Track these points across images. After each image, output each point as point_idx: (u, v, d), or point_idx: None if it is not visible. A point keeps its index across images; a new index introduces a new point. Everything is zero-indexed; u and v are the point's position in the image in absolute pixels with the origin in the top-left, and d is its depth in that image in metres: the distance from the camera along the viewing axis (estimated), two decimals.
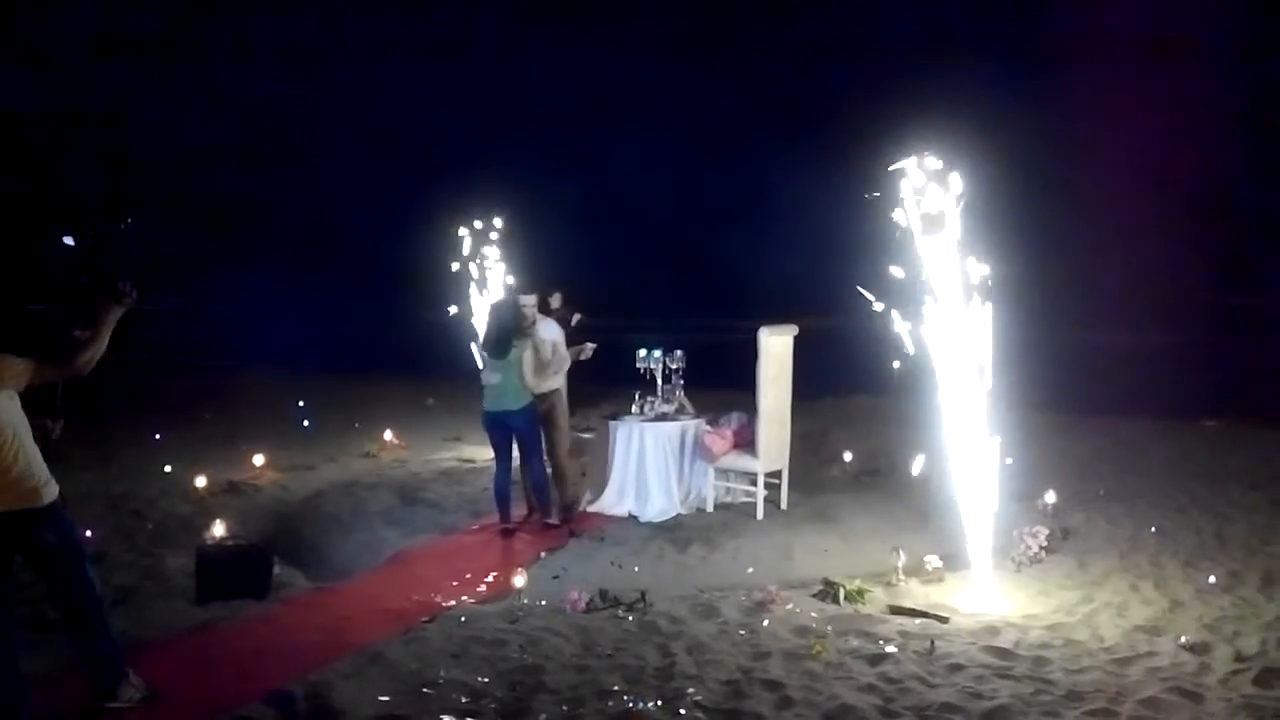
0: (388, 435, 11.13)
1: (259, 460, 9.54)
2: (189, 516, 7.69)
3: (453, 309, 10.35)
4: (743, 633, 5.29)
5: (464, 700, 4.39)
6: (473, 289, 10.30)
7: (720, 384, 10.28)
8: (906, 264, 5.74)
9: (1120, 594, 5.92)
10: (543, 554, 6.95)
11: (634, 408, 8.45)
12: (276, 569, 6.26)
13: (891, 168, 5.65)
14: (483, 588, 6.19)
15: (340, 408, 13.30)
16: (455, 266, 10.23)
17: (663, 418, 8.29)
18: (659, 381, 8.44)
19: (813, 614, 5.56)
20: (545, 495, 7.67)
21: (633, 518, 7.90)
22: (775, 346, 7.97)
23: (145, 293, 4.29)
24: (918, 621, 5.44)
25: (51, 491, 4.14)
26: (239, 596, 5.81)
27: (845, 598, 5.74)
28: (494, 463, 7.70)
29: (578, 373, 8.55)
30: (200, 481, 8.55)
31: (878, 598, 5.82)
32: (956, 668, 4.77)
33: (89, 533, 6.44)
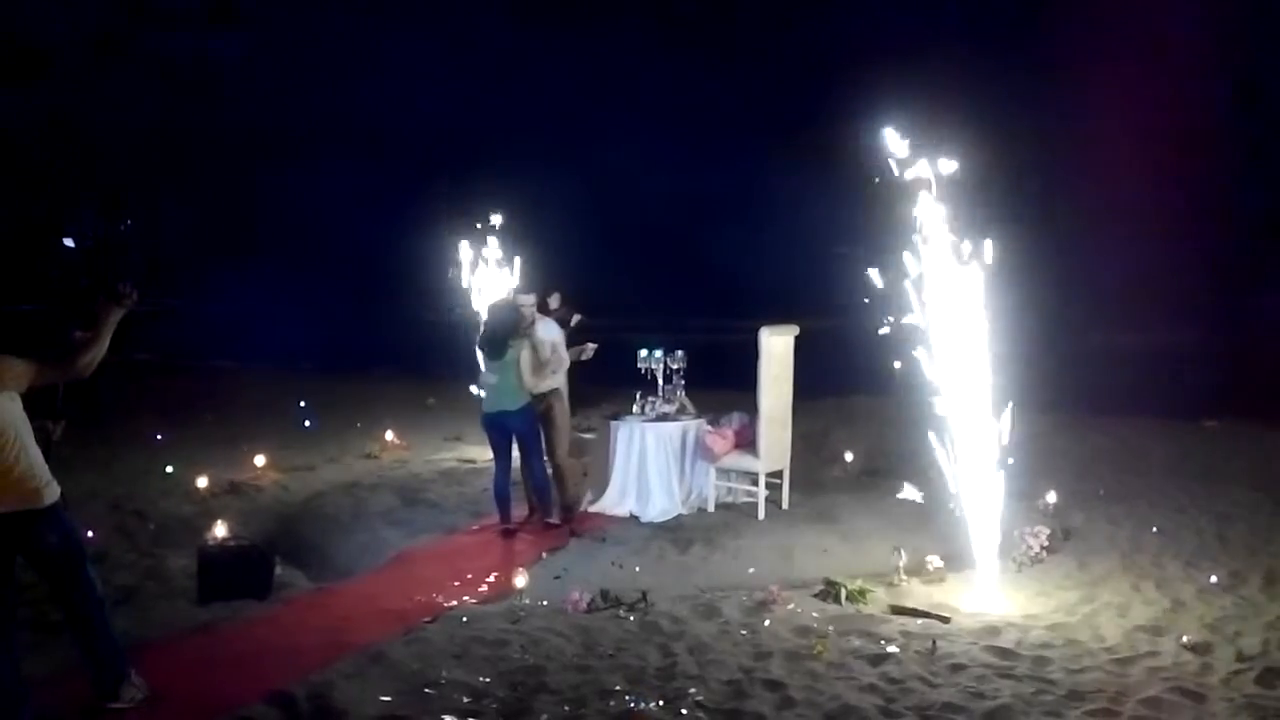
0: (389, 435, 11.13)
1: (260, 461, 9.54)
2: (190, 517, 7.70)
3: (454, 308, 10.34)
4: (744, 633, 5.29)
5: (465, 700, 4.39)
6: (472, 289, 10.29)
7: (721, 384, 10.28)
8: (895, 265, 5.76)
9: (1121, 594, 5.92)
10: (544, 554, 6.95)
11: (635, 408, 8.45)
12: (278, 569, 6.27)
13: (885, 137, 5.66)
14: (484, 588, 6.19)
15: (341, 408, 13.30)
16: (452, 272, 10.23)
17: (664, 418, 8.29)
18: (660, 381, 8.44)
19: (814, 614, 5.56)
20: (546, 495, 7.67)
21: (634, 518, 7.90)
22: (776, 346, 7.97)
23: (145, 294, 4.29)
24: (919, 621, 5.44)
25: (53, 492, 4.14)
26: (240, 597, 5.81)
27: (847, 598, 5.74)
28: (494, 463, 7.70)
29: (579, 373, 8.55)
30: (202, 482, 8.56)
31: (879, 598, 5.82)
32: (958, 668, 4.77)
33: (90, 533, 6.45)
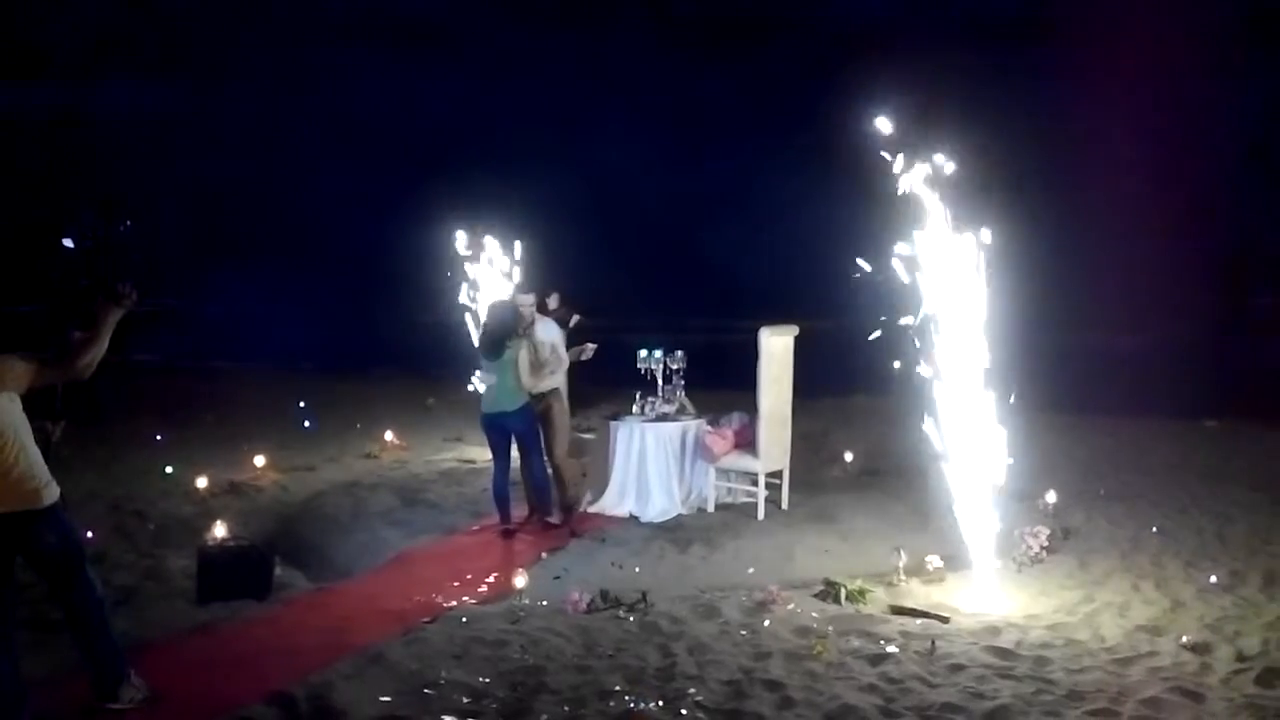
0: (388, 436, 11.13)
1: (260, 461, 9.54)
2: (190, 517, 7.70)
3: (455, 308, 10.33)
4: (744, 633, 5.28)
5: (465, 701, 4.39)
6: (471, 289, 10.28)
7: (721, 384, 10.28)
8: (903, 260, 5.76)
9: (1121, 594, 5.92)
10: (544, 554, 6.94)
11: (635, 408, 8.45)
12: (277, 570, 6.26)
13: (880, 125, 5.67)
14: (484, 588, 6.18)
15: (341, 408, 13.31)
16: (450, 273, 10.22)
17: (663, 418, 8.28)
18: (660, 382, 8.44)
19: (814, 614, 5.55)
20: (546, 495, 7.67)
21: (634, 518, 7.90)
22: (776, 347, 7.97)
23: (144, 294, 4.29)
24: (919, 621, 5.44)
25: (52, 493, 4.14)
26: (240, 597, 5.81)
27: (846, 598, 5.74)
28: (493, 463, 7.70)
29: (578, 373, 8.55)
30: (201, 482, 8.55)
31: (879, 598, 5.82)
32: (958, 668, 4.76)
33: (90, 534, 6.45)
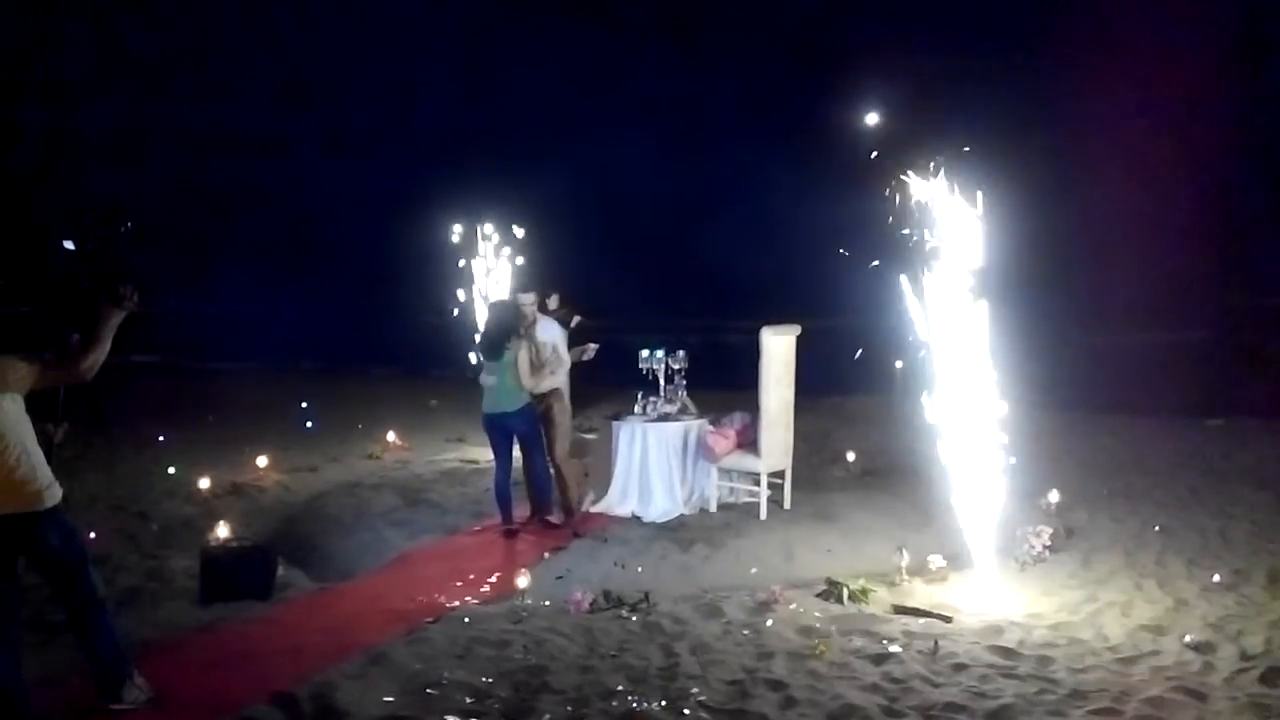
0: (390, 436, 11.14)
1: (262, 461, 9.55)
2: (193, 518, 7.71)
3: (455, 311, 10.35)
4: (746, 633, 5.28)
5: (468, 700, 4.39)
6: (470, 289, 10.29)
7: (723, 384, 10.28)
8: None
9: (1124, 593, 5.91)
10: (546, 554, 6.95)
11: (637, 408, 8.45)
12: (280, 570, 6.26)
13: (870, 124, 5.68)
14: (486, 588, 6.19)
15: (343, 409, 13.31)
16: (457, 267, 10.23)
17: (665, 418, 8.28)
18: (661, 382, 8.44)
19: (816, 614, 5.55)
20: (546, 494, 7.67)
21: (636, 518, 7.90)
22: (778, 347, 7.96)
23: (146, 296, 4.29)
24: (921, 621, 5.43)
25: (54, 495, 4.14)
26: (243, 598, 5.81)
27: (849, 597, 5.74)
28: (495, 463, 7.70)
29: (580, 374, 8.55)
30: (204, 483, 8.56)
31: (881, 597, 5.81)
32: (960, 667, 4.76)
33: (93, 535, 6.46)
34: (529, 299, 7.92)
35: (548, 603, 5.76)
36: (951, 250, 5.71)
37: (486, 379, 7.49)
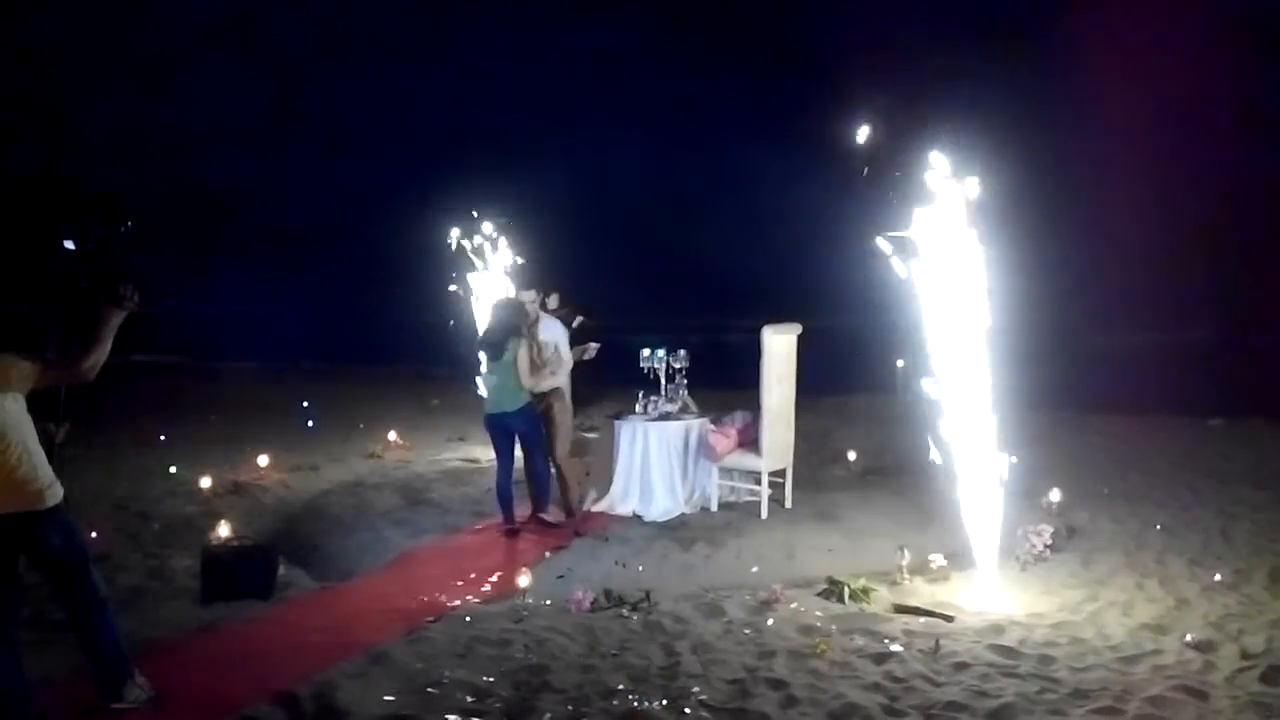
0: (392, 436, 11.14)
1: (263, 461, 9.55)
2: (194, 517, 7.70)
3: (451, 322, 10.35)
4: (747, 632, 5.28)
5: (469, 700, 4.39)
6: (469, 290, 10.27)
7: (724, 383, 10.27)
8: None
9: (1126, 592, 5.91)
10: (547, 554, 6.95)
11: (638, 407, 8.45)
12: (281, 569, 6.26)
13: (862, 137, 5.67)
14: (487, 587, 6.18)
15: (344, 408, 13.32)
16: (452, 276, 10.21)
17: (667, 417, 8.29)
18: (663, 381, 8.44)
19: (817, 613, 5.55)
20: (545, 492, 7.67)
21: (637, 517, 7.90)
22: (779, 346, 7.96)
23: (146, 295, 4.28)
24: (922, 620, 5.43)
25: (56, 494, 4.14)
26: (244, 597, 5.81)
27: (850, 596, 5.73)
28: (496, 463, 7.69)
29: (581, 373, 8.55)
30: (205, 482, 8.56)
31: (882, 596, 5.81)
32: (962, 666, 4.76)
33: (94, 534, 6.46)
34: (530, 296, 7.92)
35: (549, 602, 5.76)
36: (943, 192, 5.64)
37: (488, 379, 7.50)
